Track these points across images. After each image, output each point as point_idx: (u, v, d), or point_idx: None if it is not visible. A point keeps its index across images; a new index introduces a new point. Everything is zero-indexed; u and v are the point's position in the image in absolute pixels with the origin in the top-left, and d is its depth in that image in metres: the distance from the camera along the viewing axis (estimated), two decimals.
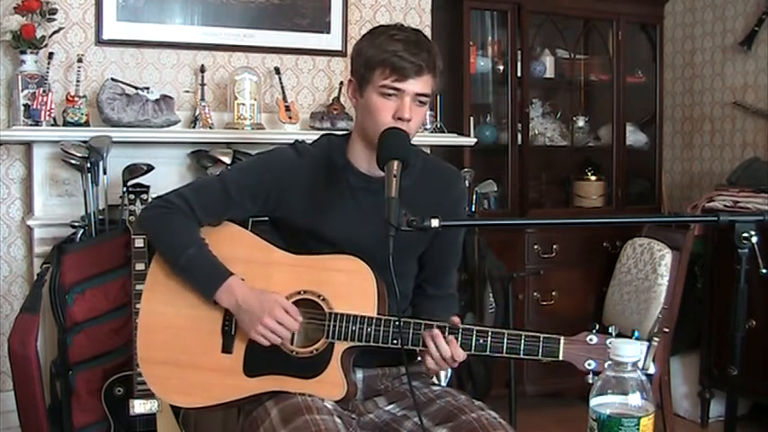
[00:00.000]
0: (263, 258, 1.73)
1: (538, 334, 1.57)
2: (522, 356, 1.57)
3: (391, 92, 1.65)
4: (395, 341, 1.61)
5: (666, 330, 1.57)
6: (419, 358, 1.70)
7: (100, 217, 2.87)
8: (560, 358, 1.55)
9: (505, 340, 1.57)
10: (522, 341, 1.57)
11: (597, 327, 1.55)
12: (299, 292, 1.69)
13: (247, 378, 1.69)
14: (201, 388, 1.72)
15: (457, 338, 1.59)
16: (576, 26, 4.18)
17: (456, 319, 1.63)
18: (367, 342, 1.63)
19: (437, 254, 1.84)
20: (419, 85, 1.66)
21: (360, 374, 1.75)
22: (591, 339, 1.54)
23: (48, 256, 2.81)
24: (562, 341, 1.55)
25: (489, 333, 1.59)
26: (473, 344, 1.59)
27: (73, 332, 2.68)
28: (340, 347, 1.65)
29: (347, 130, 2.08)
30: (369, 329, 1.62)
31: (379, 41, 1.67)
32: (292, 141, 1.82)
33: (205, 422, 2.85)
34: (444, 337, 1.59)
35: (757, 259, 1.38)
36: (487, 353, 1.58)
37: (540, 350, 1.56)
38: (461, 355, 1.59)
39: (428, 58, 1.67)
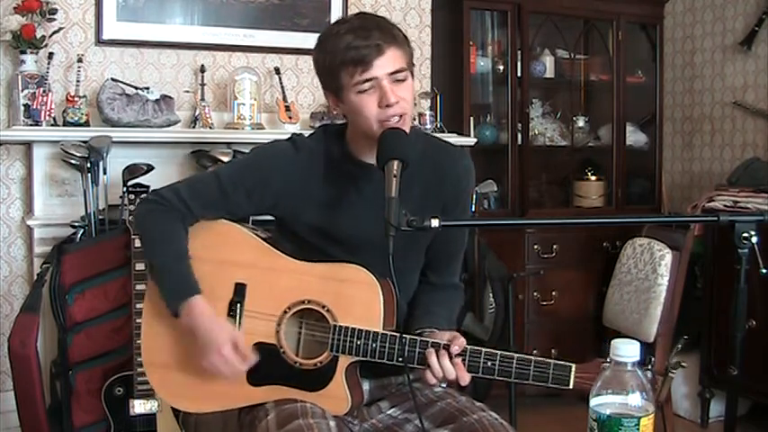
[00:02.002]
0: (266, 264, 1.68)
1: (549, 360, 1.49)
2: (530, 382, 1.51)
3: (366, 86, 1.57)
4: (400, 359, 1.57)
5: (685, 365, 1.50)
6: None
7: (100, 217, 2.87)
8: (571, 387, 1.48)
9: (514, 365, 1.51)
10: (532, 367, 1.50)
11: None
12: (302, 302, 1.64)
13: (252, 387, 1.66)
14: (206, 394, 1.70)
15: (464, 361, 1.54)
16: (576, 26, 4.18)
17: (462, 341, 1.57)
18: (372, 358, 1.59)
19: (440, 241, 1.78)
20: (387, 63, 1.56)
21: (366, 386, 1.72)
22: (604, 367, 1.49)
23: (48, 256, 2.81)
24: (573, 370, 1.48)
25: (498, 356, 1.52)
26: (480, 367, 1.53)
27: (73, 332, 2.68)
28: (344, 361, 1.61)
29: None
30: (374, 345, 1.58)
31: (328, 46, 1.59)
32: (289, 135, 1.76)
33: (205, 422, 2.84)
34: (451, 359, 1.54)
35: (757, 259, 1.38)
36: (495, 377, 1.53)
37: (551, 378, 1.48)
38: (467, 379, 1.54)
39: (381, 34, 1.56)
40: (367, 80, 1.57)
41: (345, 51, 1.55)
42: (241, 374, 1.62)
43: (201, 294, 1.64)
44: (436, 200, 1.72)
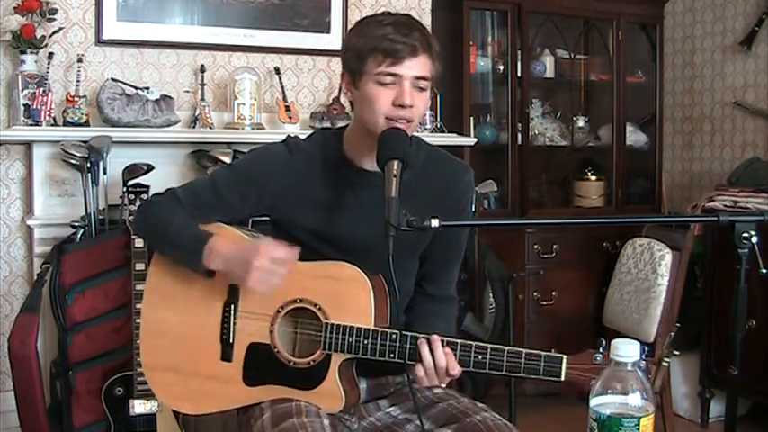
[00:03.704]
0: None
1: (540, 352, 1.49)
2: (522, 375, 1.50)
3: (388, 79, 1.58)
4: (392, 355, 1.57)
5: (677, 353, 1.50)
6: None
7: (100, 217, 2.87)
8: (562, 379, 1.47)
9: (505, 358, 1.50)
10: (523, 359, 1.49)
11: (604, 343, 1.45)
12: (295, 301, 1.64)
13: (247, 387, 1.67)
14: (203, 395, 1.70)
15: (455, 353, 1.54)
16: (576, 26, 4.18)
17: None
18: (364, 354, 1.59)
19: (439, 250, 1.79)
20: (416, 67, 1.59)
21: (363, 384, 1.72)
22: (597, 358, 1.46)
23: (48, 256, 2.81)
24: (565, 361, 1.47)
25: (488, 350, 1.51)
26: (471, 360, 1.53)
27: (73, 332, 2.68)
28: (337, 359, 1.61)
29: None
30: (366, 342, 1.58)
31: (367, 30, 1.61)
32: (285, 137, 1.77)
33: (205, 422, 2.84)
34: (442, 346, 1.54)
35: (757, 259, 1.38)
36: (486, 370, 1.52)
37: (542, 369, 1.48)
38: (457, 369, 1.54)
39: (421, 38, 1.59)
40: (391, 74, 1.58)
41: (381, 40, 1.57)
42: (293, 263, 1.59)
43: (214, 235, 1.64)
44: (438, 212, 1.70)
